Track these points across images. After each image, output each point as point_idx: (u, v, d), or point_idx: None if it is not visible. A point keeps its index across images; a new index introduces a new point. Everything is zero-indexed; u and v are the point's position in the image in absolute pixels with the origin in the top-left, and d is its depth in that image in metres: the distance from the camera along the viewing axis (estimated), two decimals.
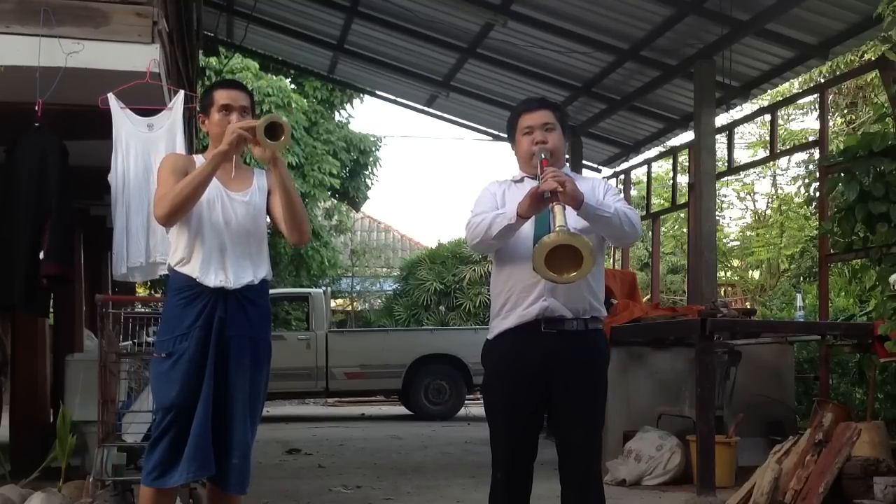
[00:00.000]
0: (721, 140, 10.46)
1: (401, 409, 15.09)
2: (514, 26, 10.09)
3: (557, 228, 3.18)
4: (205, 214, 3.75)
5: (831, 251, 8.15)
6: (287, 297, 16.30)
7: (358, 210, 23.74)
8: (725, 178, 13.91)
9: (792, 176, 18.50)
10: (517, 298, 3.49)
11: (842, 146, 7.53)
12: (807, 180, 15.87)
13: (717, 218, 12.56)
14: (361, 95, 19.19)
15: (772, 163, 17.11)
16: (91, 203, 8.40)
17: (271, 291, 4.23)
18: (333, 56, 12.96)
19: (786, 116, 17.51)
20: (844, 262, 8.76)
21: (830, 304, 9.19)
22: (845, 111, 15.89)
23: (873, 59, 11.05)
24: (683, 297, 16.84)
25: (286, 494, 6.68)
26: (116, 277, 5.74)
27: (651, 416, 7.49)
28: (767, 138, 14.09)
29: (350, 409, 16.68)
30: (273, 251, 16.24)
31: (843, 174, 7.03)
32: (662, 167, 18.03)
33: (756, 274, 20.27)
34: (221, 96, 3.84)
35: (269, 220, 3.92)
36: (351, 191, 20.59)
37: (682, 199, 12.52)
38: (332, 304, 19.88)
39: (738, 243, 20.42)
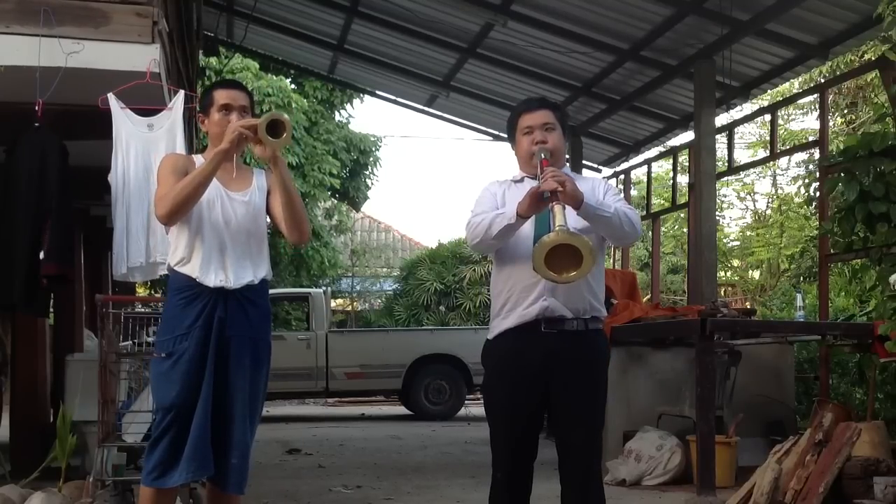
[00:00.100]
0: (721, 140, 10.46)
1: (401, 409, 15.09)
2: (514, 26, 10.09)
3: (557, 228, 3.18)
4: (205, 214, 3.75)
5: (831, 251, 8.15)
6: (287, 297, 16.30)
7: (358, 210, 23.74)
8: (725, 178, 13.91)
9: (792, 176, 18.53)
10: (517, 298, 3.49)
11: (842, 146, 7.53)
12: (807, 180, 15.87)
13: (717, 218, 12.56)
14: (361, 95, 19.20)
15: (772, 163, 17.11)
16: (91, 203, 8.40)
17: (271, 291, 4.23)
18: (333, 56, 12.96)
19: (786, 116, 17.51)
20: (844, 262, 8.76)
21: (830, 304, 9.19)
22: (845, 111, 15.89)
23: (873, 59, 11.05)
24: (683, 297, 16.85)
25: (286, 494, 6.68)
26: (116, 277, 5.74)
27: (651, 416, 7.49)
28: (767, 138, 14.10)
29: (350, 409, 16.68)
30: (273, 251, 16.21)
31: (843, 174, 7.03)
32: (662, 167, 18.03)
33: (756, 274, 20.27)
34: (221, 96, 3.84)
35: (268, 220, 3.92)
36: (351, 191, 20.59)
37: (682, 199, 12.52)
38: (332, 304, 19.88)
39: (738, 243, 20.42)
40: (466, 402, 14.22)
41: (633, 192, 17.58)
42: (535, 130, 3.59)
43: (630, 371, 7.67)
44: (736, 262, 20.60)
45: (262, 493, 6.46)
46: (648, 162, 13.42)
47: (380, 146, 21.04)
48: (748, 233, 20.31)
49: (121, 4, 5.43)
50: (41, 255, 5.37)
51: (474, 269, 18.94)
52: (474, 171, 42.86)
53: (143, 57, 5.34)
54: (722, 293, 17.39)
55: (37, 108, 5.30)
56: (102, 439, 5.27)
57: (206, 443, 3.64)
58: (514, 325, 3.50)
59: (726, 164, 10.80)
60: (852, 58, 13.32)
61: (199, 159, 3.84)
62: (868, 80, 13.58)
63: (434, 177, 48.79)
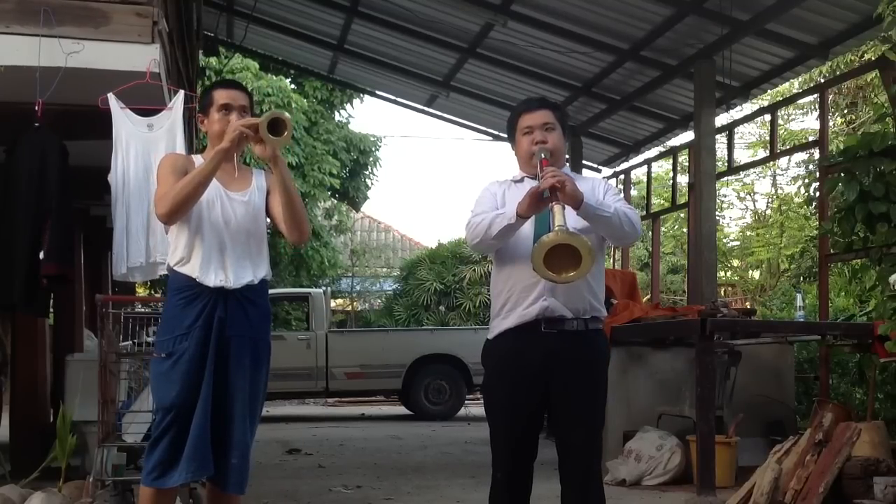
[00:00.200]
0: (721, 140, 10.46)
1: (401, 409, 15.09)
2: (514, 26, 10.09)
3: (557, 228, 3.18)
4: (204, 214, 3.75)
5: (831, 251, 8.15)
6: (287, 297, 16.30)
7: (358, 210, 23.74)
8: (725, 178, 13.91)
9: (792, 176, 18.53)
10: (517, 298, 3.49)
11: (842, 146, 7.53)
12: (807, 180, 15.87)
13: (717, 218, 12.56)
14: (361, 95, 19.20)
15: (772, 163, 17.10)
16: (91, 203, 8.40)
17: (271, 291, 4.24)
18: (333, 56, 12.96)
19: (786, 116, 17.51)
20: (844, 262, 8.76)
21: (830, 304, 9.19)
22: (845, 111, 15.89)
23: (873, 59, 11.05)
24: (683, 297, 16.84)
25: (286, 494, 6.68)
26: (116, 277, 5.74)
27: (651, 416, 7.49)
28: (767, 138, 14.09)
29: (350, 409, 16.68)
30: (273, 251, 16.23)
31: (843, 174, 7.03)
32: (662, 167, 18.03)
33: (756, 274, 20.27)
34: (221, 96, 3.84)
35: (268, 220, 3.92)
36: (351, 191, 20.59)
37: (682, 199, 12.52)
38: (332, 304, 19.88)
39: (738, 243, 20.41)
40: (466, 402, 14.22)
41: (633, 192, 17.58)
42: (535, 130, 3.59)
43: (630, 371, 7.67)
44: (736, 262, 20.60)
45: (262, 493, 6.46)
46: (648, 162, 13.42)
47: (380, 146, 21.05)
48: (748, 233, 20.31)
49: (121, 4, 5.43)
50: (41, 255, 5.37)
51: (474, 269, 18.94)
52: (474, 171, 42.90)
53: (143, 57, 5.34)
54: (722, 293, 17.39)
55: (37, 108, 5.30)
56: (102, 439, 5.27)
57: (206, 443, 3.64)
58: (514, 325, 3.50)
59: (726, 164, 10.80)
60: (852, 58, 13.32)
61: (198, 159, 3.84)
62: (868, 80, 13.57)
63: (434, 177, 48.84)
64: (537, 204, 3.34)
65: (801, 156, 16.79)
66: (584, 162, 13.36)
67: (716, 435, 6.39)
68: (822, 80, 12.33)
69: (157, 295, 14.35)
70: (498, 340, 3.57)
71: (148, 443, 3.80)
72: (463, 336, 14.62)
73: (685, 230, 14.16)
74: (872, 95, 14.15)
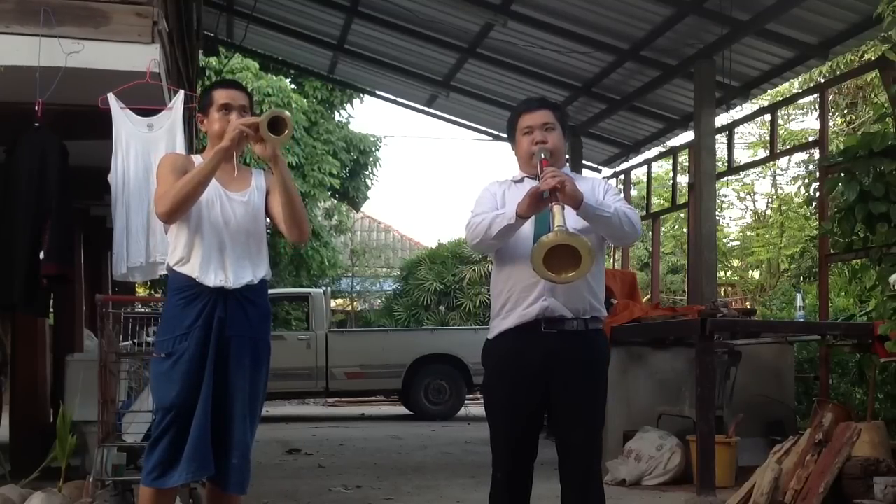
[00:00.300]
0: (721, 140, 10.46)
1: (401, 409, 15.09)
2: (514, 26, 10.09)
3: (556, 228, 3.18)
4: (204, 214, 3.74)
5: (831, 251, 8.15)
6: (287, 297, 16.30)
7: (358, 210, 23.73)
8: (725, 178, 13.91)
9: (792, 176, 18.52)
10: (517, 298, 3.49)
11: (842, 146, 7.53)
12: (807, 180, 15.87)
13: (717, 218, 12.56)
14: (361, 95, 19.20)
15: (772, 163, 17.10)
16: (91, 203, 8.40)
17: (271, 291, 4.24)
18: (333, 56, 12.96)
19: (786, 116, 17.51)
20: (844, 262, 8.76)
21: (830, 304, 9.19)
22: (845, 111, 15.88)
23: (873, 59, 11.05)
24: (683, 297, 16.84)
25: (286, 494, 6.68)
26: (116, 277, 5.74)
27: (651, 416, 7.49)
28: (767, 138, 14.09)
29: (350, 409, 16.68)
30: (273, 251, 16.22)
31: (843, 174, 7.03)
32: (662, 167, 18.03)
33: (756, 274, 20.27)
34: (221, 95, 3.84)
35: (268, 220, 3.92)
36: (351, 191, 20.59)
37: (682, 199, 12.52)
38: (332, 304, 19.88)
39: (738, 243, 20.41)
40: (466, 402, 14.22)
41: (633, 192, 17.58)
42: (535, 130, 3.59)
43: (630, 371, 7.67)
44: (736, 262, 20.60)
45: (262, 493, 6.46)
46: (648, 162, 13.42)
47: (380, 146, 21.05)
48: (748, 233, 20.30)
49: (121, 4, 5.43)
50: (41, 255, 5.37)
51: (474, 269, 18.94)
52: (474, 171, 42.89)
53: (143, 57, 5.34)
54: (722, 293, 17.39)
55: (37, 108, 5.30)
56: (102, 439, 5.27)
57: (206, 443, 3.63)
58: (514, 325, 3.50)
59: (726, 164, 10.80)
60: (852, 58, 13.31)
61: (198, 159, 3.84)
62: (868, 80, 13.57)
63: (434, 177, 48.84)
64: (537, 204, 3.34)
65: (801, 156, 16.82)
66: (584, 162, 13.36)
67: (716, 435, 6.39)
68: (822, 80, 12.32)
69: (157, 295, 14.35)
70: (498, 340, 3.57)
71: (148, 443, 3.79)
72: (463, 336, 14.62)
73: (685, 230, 14.16)
74: (872, 95, 14.14)
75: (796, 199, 17.96)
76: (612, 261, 13.38)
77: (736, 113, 11.96)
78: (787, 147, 14.44)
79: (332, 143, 19.06)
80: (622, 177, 13.64)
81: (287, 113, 3.67)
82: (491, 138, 14.32)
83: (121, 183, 5.44)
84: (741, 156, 16.58)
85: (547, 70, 11.37)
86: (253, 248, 3.83)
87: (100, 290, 9.15)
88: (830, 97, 13.28)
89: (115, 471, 5.35)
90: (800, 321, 8.50)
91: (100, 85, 5.34)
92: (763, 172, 19.32)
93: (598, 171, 13.92)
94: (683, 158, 13.41)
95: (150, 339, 5.49)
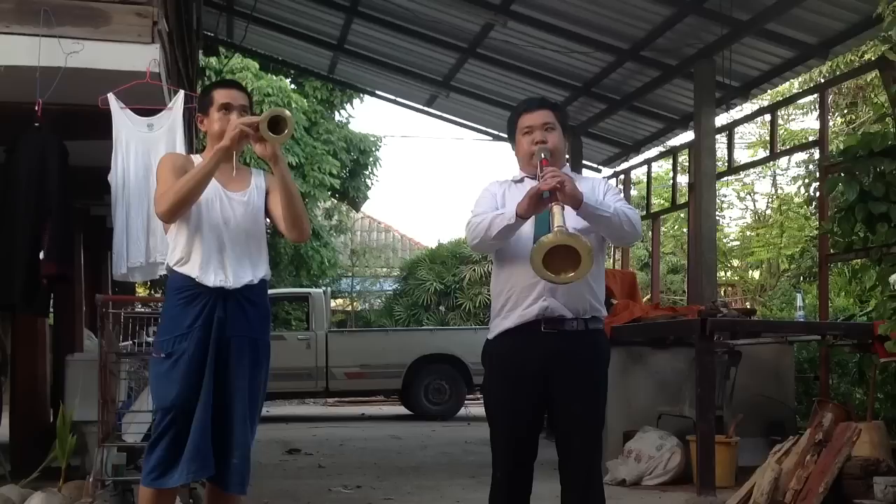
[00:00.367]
0: (721, 140, 10.46)
1: (401, 409, 15.09)
2: (514, 26, 10.09)
3: (556, 229, 3.18)
4: (203, 214, 3.74)
5: (831, 251, 8.15)
6: (287, 297, 16.31)
7: (358, 210, 23.73)
8: (725, 178, 13.91)
9: (792, 176, 18.51)
10: (517, 298, 3.49)
11: (842, 146, 7.53)
12: (807, 180, 15.87)
13: (717, 218, 12.56)
14: (361, 95, 19.20)
15: (772, 163, 17.10)
16: (91, 203, 8.40)
17: (271, 291, 4.24)
18: (333, 56, 12.96)
19: (786, 116, 17.51)
20: (844, 262, 8.76)
21: (830, 304, 9.20)
22: (845, 111, 15.88)
23: (873, 59, 11.04)
24: (683, 297, 16.84)
25: (286, 494, 6.68)
26: (116, 277, 5.75)
27: (651, 416, 7.49)
28: (767, 138, 14.08)
29: (350, 409, 16.68)
30: (273, 251, 16.24)
31: (843, 174, 7.03)
32: (662, 167, 18.03)
33: (756, 274, 20.27)
34: (221, 95, 3.84)
35: (268, 220, 3.92)
36: (351, 191, 20.59)
37: (682, 199, 12.51)
38: (332, 304, 19.88)
39: (738, 243, 20.40)
40: (466, 402, 14.21)
41: (633, 192, 17.58)
42: (535, 130, 3.59)
43: (630, 371, 7.67)
44: (736, 262, 20.59)
45: (262, 493, 6.46)
46: (648, 162, 13.42)
47: (380, 146, 21.05)
48: (748, 233, 20.29)
49: (121, 4, 5.43)
50: (41, 255, 5.37)
51: (474, 269, 18.94)
52: (474, 171, 42.84)
53: (143, 57, 5.34)
54: (722, 293, 17.39)
55: (37, 108, 5.30)
56: (102, 439, 5.28)
57: (206, 443, 3.63)
58: (514, 325, 3.50)
59: (726, 164, 10.80)
60: (852, 58, 13.31)
61: (197, 159, 3.84)
62: (868, 80, 13.57)
63: (434, 177, 48.82)
64: (537, 204, 3.33)
65: (801, 156, 16.80)
66: (584, 162, 13.36)
67: (716, 435, 6.39)
68: (822, 80, 12.33)
69: (157, 295, 14.35)
70: (498, 340, 3.57)
71: (148, 443, 3.79)
72: (463, 336, 14.62)
73: (685, 230, 14.16)
74: (872, 95, 14.14)
75: (796, 199, 17.96)
76: (612, 261, 13.38)
77: (736, 113, 11.98)
78: (787, 147, 14.43)
79: (332, 143, 19.06)
80: (622, 177, 13.63)
81: (287, 112, 3.67)
82: (491, 138, 14.32)
83: (121, 183, 5.44)
84: (741, 156, 16.60)
85: (547, 70, 11.37)
86: (253, 247, 3.83)
87: (100, 290, 9.15)
88: (830, 97, 13.27)
89: (115, 471, 5.36)
90: (800, 321, 8.51)
91: (100, 85, 5.34)
92: (763, 172, 19.32)
93: (598, 171, 13.92)
94: (683, 158, 13.41)
95: (150, 339, 5.49)
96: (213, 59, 15.35)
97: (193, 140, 7.28)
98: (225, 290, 3.71)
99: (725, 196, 19.56)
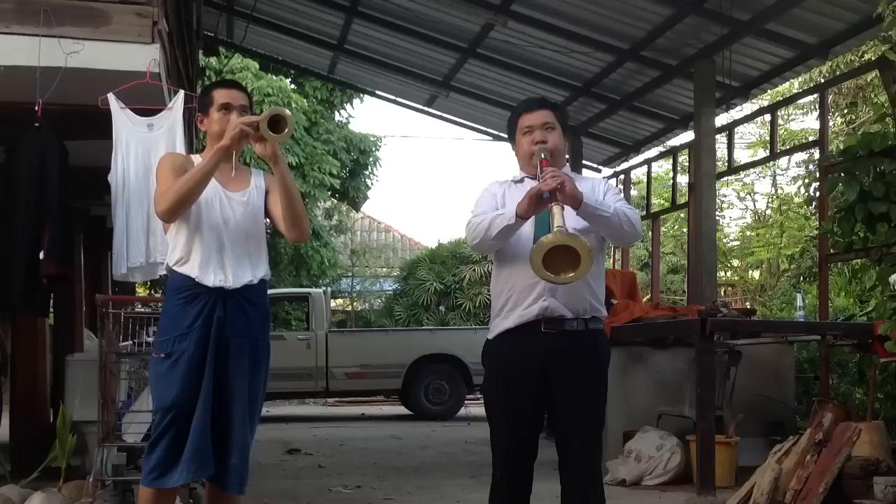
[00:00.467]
0: (721, 140, 10.46)
1: (401, 409, 15.09)
2: (514, 26, 10.09)
3: (556, 229, 3.18)
4: (203, 214, 3.74)
5: (831, 251, 8.15)
6: (287, 297, 16.31)
7: (358, 210, 23.73)
8: (725, 178, 13.91)
9: (792, 176, 18.51)
10: (517, 298, 3.49)
11: (842, 146, 7.53)
12: (807, 180, 15.86)
13: (717, 218, 12.56)
14: (361, 95, 19.20)
15: (772, 163, 17.10)
16: (91, 203, 8.40)
17: (271, 291, 4.24)
18: (333, 56, 12.96)
19: (786, 116, 17.50)
20: (844, 262, 8.76)
21: (830, 304, 9.20)
22: (845, 111, 15.88)
23: (873, 59, 11.04)
24: (683, 297, 16.84)
25: (286, 494, 6.68)
26: (116, 277, 5.75)
27: (651, 416, 7.49)
28: (767, 138, 14.08)
29: (350, 409, 16.68)
30: (273, 251, 16.24)
31: (843, 174, 7.03)
32: (662, 167, 18.02)
33: (756, 274, 20.26)
34: (221, 95, 3.84)
35: (267, 220, 3.92)
36: (351, 191, 20.59)
37: (682, 199, 12.52)
38: (332, 304, 19.88)
39: (738, 243, 20.40)
40: (466, 402, 14.21)
41: (633, 192, 17.58)
42: (535, 130, 3.59)
43: (630, 371, 7.67)
44: (736, 262, 20.59)
45: (262, 493, 6.46)
46: (648, 162, 13.42)
47: (380, 146, 21.05)
48: (748, 233, 20.29)
49: (121, 4, 5.43)
50: (41, 255, 5.37)
51: (474, 269, 18.95)
52: (474, 171, 42.84)
53: (143, 57, 5.34)
54: (722, 293, 17.38)
55: (37, 108, 5.30)
56: (102, 439, 5.28)
57: (206, 443, 3.63)
58: (515, 325, 3.50)
59: (726, 164, 10.80)
60: (852, 58, 13.31)
61: (197, 159, 3.84)
62: (868, 80, 13.56)
63: (434, 177, 48.81)
64: (537, 205, 3.33)
65: (801, 156, 16.80)
66: (584, 162, 13.36)
67: (716, 435, 6.39)
68: (822, 80, 12.32)
69: (157, 295, 14.34)
70: (498, 340, 3.57)
71: (148, 443, 3.79)
72: (463, 336, 14.62)
73: (685, 230, 14.16)
74: (872, 95, 14.14)
75: (796, 199, 17.96)
76: (612, 261, 13.38)
77: (736, 113, 11.98)
78: (787, 147, 14.43)
79: (332, 143, 19.06)
80: (622, 177, 13.64)
81: (287, 111, 3.66)
82: (491, 138, 14.32)
83: (121, 183, 5.44)
84: (741, 156, 16.59)
85: (547, 70, 11.37)
86: (252, 247, 3.83)
87: (100, 290, 9.15)
88: (830, 97, 13.27)
89: (115, 471, 5.36)
90: (800, 321, 8.50)
91: (100, 85, 5.34)
92: (763, 172, 19.32)
93: (598, 171, 13.92)
94: (683, 158, 13.41)
95: (150, 339, 5.49)
96: (213, 59, 15.36)
97: (193, 140, 7.28)
98: (224, 290, 3.71)
99: (725, 196, 19.56)
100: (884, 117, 7.22)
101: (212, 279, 3.71)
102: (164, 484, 3.66)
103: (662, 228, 16.41)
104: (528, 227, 3.43)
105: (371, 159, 20.84)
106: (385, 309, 20.56)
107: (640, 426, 7.40)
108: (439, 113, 14.03)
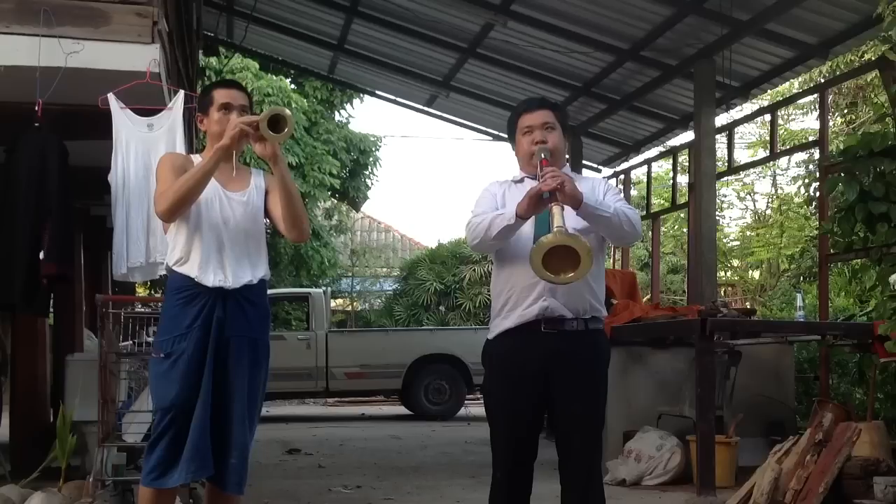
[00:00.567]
0: (721, 140, 10.46)
1: (401, 409, 15.09)
2: (514, 26, 10.09)
3: (556, 229, 3.18)
4: (203, 214, 3.74)
5: (831, 251, 8.15)
6: (287, 297, 16.31)
7: (358, 210, 23.73)
8: (725, 178, 13.91)
9: (792, 176, 18.52)
10: (517, 298, 3.49)
11: (842, 146, 7.53)
12: (807, 180, 15.86)
13: (717, 218, 12.56)
14: (361, 95, 19.20)
15: (772, 163, 17.10)
16: (91, 203, 8.40)
17: (271, 291, 4.25)
18: (333, 56, 12.96)
19: (786, 116, 17.50)
20: (844, 262, 8.76)
21: (830, 304, 9.19)
22: (845, 111, 15.88)
23: (873, 59, 11.04)
24: (683, 297, 16.84)
25: (286, 494, 6.68)
26: (116, 277, 5.75)
27: (651, 416, 7.49)
28: (767, 138, 14.08)
29: (350, 409, 16.68)
30: (273, 251, 16.24)
31: (843, 174, 7.03)
32: (662, 167, 18.02)
33: (756, 274, 20.26)
34: (221, 95, 3.84)
35: (267, 220, 3.92)
36: (351, 191, 20.59)
37: (682, 199, 12.52)
38: (332, 304, 19.88)
39: (738, 243, 20.40)
40: (466, 402, 14.21)
41: (633, 192, 17.58)
42: (535, 130, 3.59)
43: (630, 371, 7.67)
44: (736, 262, 20.59)
45: (262, 493, 6.46)
46: (648, 162, 13.42)
47: (380, 146, 21.05)
48: (748, 233, 20.29)
49: (121, 4, 5.43)
50: (41, 255, 5.37)
51: (474, 269, 18.95)
52: (474, 171, 42.84)
53: (143, 57, 5.34)
54: (722, 293, 17.38)
55: (37, 108, 5.30)
56: (102, 439, 5.28)
57: (206, 443, 3.63)
58: (515, 325, 3.50)
59: (726, 164, 10.80)
60: (852, 58, 13.31)
61: (197, 159, 3.84)
62: (868, 80, 13.56)
63: (434, 177, 48.81)
64: (537, 205, 3.33)
65: (801, 156, 16.79)
66: (584, 162, 13.36)
67: (716, 435, 6.39)
68: (822, 80, 12.33)
69: (157, 295, 14.34)
70: (498, 340, 3.57)
71: (147, 443, 3.79)
72: (463, 336, 14.62)
73: (685, 230, 14.16)
74: (872, 95, 14.14)
75: (796, 199, 17.96)
76: (612, 261, 13.38)
77: (736, 113, 11.98)
78: (787, 147, 14.43)
79: (332, 143, 19.06)
80: (622, 177, 13.63)
81: (287, 111, 3.66)
82: (491, 138, 14.32)
83: (121, 183, 5.44)
84: (741, 156, 16.59)
85: (547, 70, 11.37)
86: (252, 247, 3.83)
87: (100, 290, 9.15)
88: (830, 97, 13.27)
89: (115, 471, 5.36)
90: (800, 321, 8.50)
91: (100, 85, 5.34)
92: (763, 172, 19.32)
93: (598, 171, 13.92)
94: (683, 158, 13.41)
95: (150, 339, 5.49)
96: (213, 59, 15.36)
97: (193, 140, 7.28)
98: (224, 290, 3.71)
99: (725, 196, 19.57)
100: (884, 117, 7.21)
101: (211, 279, 3.71)
102: (164, 484, 3.66)
103: (662, 228, 16.41)
104: (528, 227, 3.43)
105: (371, 159, 20.84)
106: (385, 309, 20.56)
107: (640, 426, 7.40)
108: (439, 113, 14.03)
